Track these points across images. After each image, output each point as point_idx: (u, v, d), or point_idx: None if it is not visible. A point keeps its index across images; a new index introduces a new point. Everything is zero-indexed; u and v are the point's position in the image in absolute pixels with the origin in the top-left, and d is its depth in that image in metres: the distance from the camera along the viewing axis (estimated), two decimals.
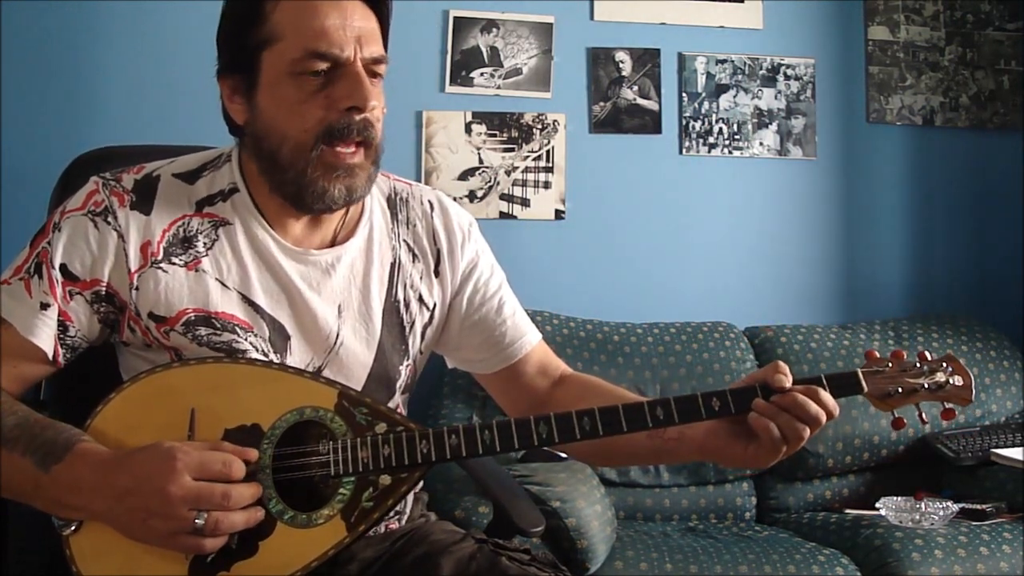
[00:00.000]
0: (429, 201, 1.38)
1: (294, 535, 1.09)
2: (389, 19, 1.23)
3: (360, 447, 1.12)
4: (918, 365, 1.20)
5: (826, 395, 1.14)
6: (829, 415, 1.14)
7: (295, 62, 1.15)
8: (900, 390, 1.18)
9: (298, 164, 1.18)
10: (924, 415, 1.21)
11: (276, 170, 1.20)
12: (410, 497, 1.39)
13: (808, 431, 1.12)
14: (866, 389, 1.17)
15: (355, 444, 1.12)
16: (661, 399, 1.15)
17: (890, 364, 1.19)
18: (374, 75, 1.19)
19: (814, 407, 1.12)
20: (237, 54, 1.20)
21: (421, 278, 1.34)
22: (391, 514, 1.26)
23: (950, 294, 3.14)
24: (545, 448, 2.22)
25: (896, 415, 1.19)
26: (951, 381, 1.19)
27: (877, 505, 2.42)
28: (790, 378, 1.15)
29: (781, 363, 1.17)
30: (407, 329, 1.33)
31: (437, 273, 1.36)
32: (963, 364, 1.21)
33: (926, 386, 1.18)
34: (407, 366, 1.34)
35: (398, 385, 1.32)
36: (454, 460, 1.15)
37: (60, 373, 1.23)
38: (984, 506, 2.41)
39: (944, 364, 1.20)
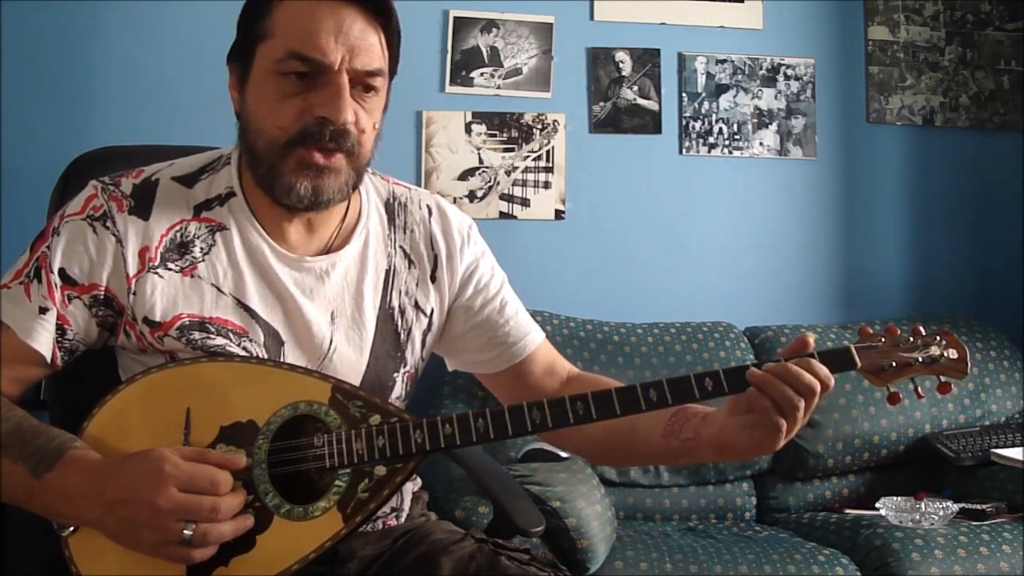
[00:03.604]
0: (428, 206, 1.38)
1: (291, 528, 1.09)
2: (396, 36, 1.22)
3: (355, 439, 1.12)
4: (912, 339, 1.18)
5: (819, 365, 1.12)
6: (824, 386, 1.11)
7: (278, 61, 1.16)
8: (894, 364, 1.16)
9: (269, 159, 1.19)
10: (920, 389, 1.20)
11: (255, 163, 1.21)
12: (408, 492, 1.39)
13: (803, 403, 1.10)
14: (860, 364, 1.16)
15: (349, 436, 1.13)
16: (654, 381, 1.14)
17: (884, 339, 1.18)
18: (368, 88, 1.19)
19: (807, 376, 1.10)
20: (240, 44, 1.22)
21: (417, 284, 1.34)
22: (387, 506, 1.26)
23: (950, 294, 3.14)
24: (549, 449, 2.27)
25: (891, 390, 1.17)
26: (945, 354, 1.18)
27: (877, 505, 2.42)
28: (812, 347, 1.15)
29: (808, 334, 1.17)
30: (402, 336, 1.32)
31: (434, 279, 1.35)
32: (957, 338, 1.19)
33: (920, 360, 1.17)
34: (404, 373, 1.33)
35: (394, 395, 1.32)
36: (449, 449, 1.15)
37: (61, 373, 1.24)
38: (984, 506, 2.40)
39: (938, 338, 1.19)
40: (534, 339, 1.40)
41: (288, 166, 1.18)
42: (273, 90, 1.17)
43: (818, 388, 1.11)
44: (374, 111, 1.21)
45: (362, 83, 1.18)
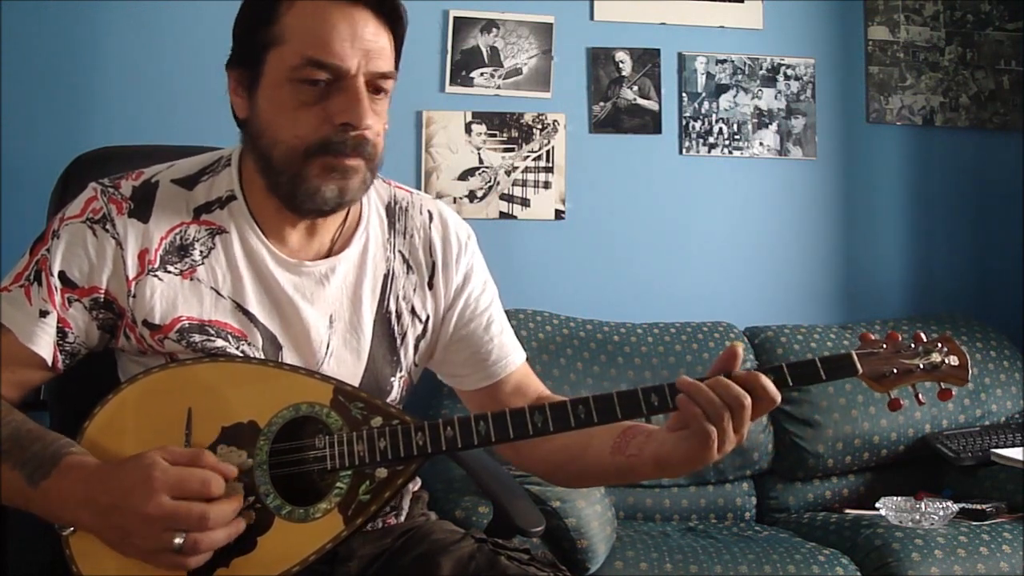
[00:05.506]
0: (429, 211, 1.38)
1: (292, 530, 1.09)
2: (403, 36, 1.23)
3: (356, 441, 1.13)
4: (913, 346, 1.18)
5: (764, 380, 1.11)
6: (768, 400, 1.10)
7: (294, 68, 1.15)
8: (895, 371, 1.17)
9: (292, 168, 1.18)
10: (921, 396, 1.20)
11: (270, 170, 1.20)
12: (407, 492, 1.39)
13: (727, 414, 1.08)
14: (861, 371, 1.16)
15: (351, 438, 1.13)
16: (656, 386, 1.14)
17: (885, 345, 1.18)
18: (379, 91, 1.19)
19: (736, 388, 1.09)
20: (245, 49, 1.20)
21: (414, 290, 1.34)
22: (388, 507, 1.26)
23: (950, 294, 3.14)
24: None
25: (892, 396, 1.18)
26: (947, 361, 1.18)
27: (877, 505, 2.42)
28: (740, 358, 1.14)
29: (738, 344, 1.16)
30: (398, 340, 1.32)
31: (431, 285, 1.35)
32: (958, 344, 1.19)
33: (921, 367, 1.17)
34: (400, 378, 1.33)
35: (390, 399, 1.32)
36: (450, 452, 1.15)
37: (61, 374, 1.23)
38: (984, 506, 2.40)
39: (939, 344, 1.19)
40: (513, 361, 1.39)
41: (312, 172, 1.17)
42: (289, 98, 1.16)
43: (747, 401, 1.09)
44: (383, 113, 1.21)
45: (374, 86, 1.18)
